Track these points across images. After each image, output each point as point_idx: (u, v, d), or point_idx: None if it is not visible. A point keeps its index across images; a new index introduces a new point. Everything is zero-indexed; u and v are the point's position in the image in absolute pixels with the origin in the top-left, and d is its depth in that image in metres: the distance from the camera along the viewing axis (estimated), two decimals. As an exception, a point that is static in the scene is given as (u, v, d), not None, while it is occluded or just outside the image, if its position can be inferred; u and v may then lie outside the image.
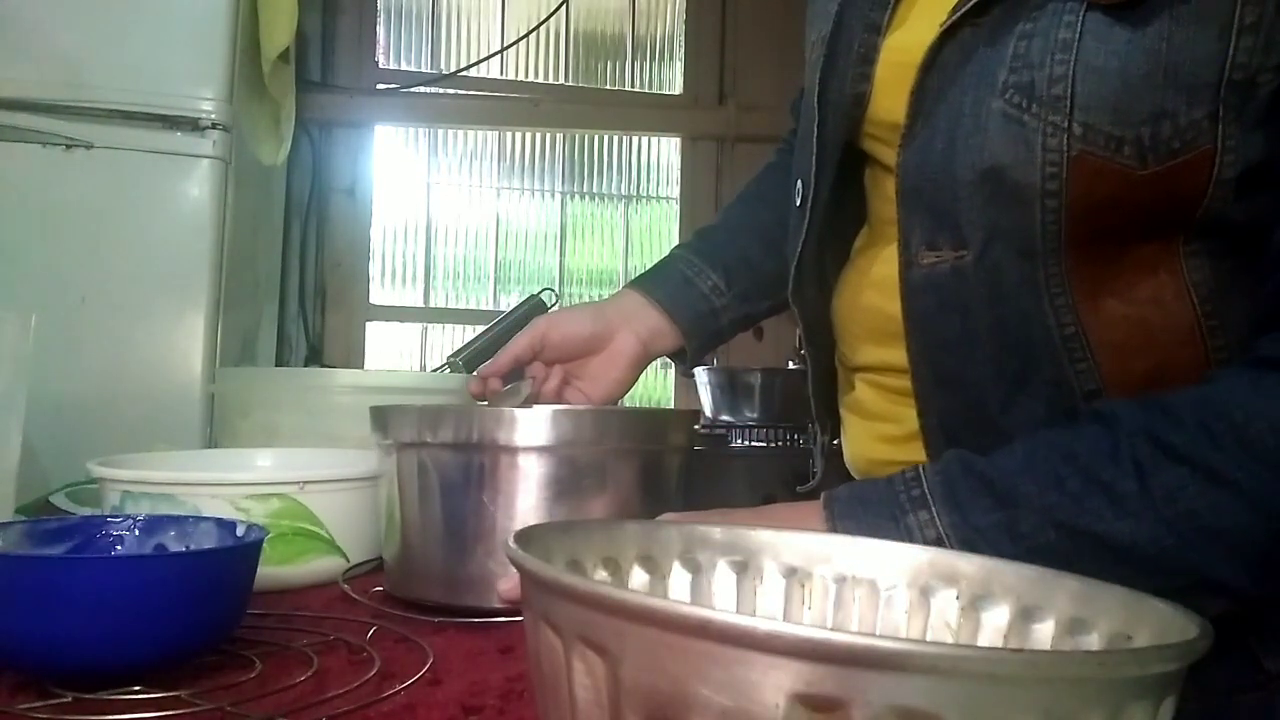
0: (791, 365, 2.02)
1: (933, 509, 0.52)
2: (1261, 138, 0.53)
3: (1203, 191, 0.54)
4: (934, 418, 0.63)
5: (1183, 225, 0.56)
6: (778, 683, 0.25)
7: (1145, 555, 0.48)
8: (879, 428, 0.70)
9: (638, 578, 0.42)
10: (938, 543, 0.51)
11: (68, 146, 1.55)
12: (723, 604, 0.42)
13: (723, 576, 0.43)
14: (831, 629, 0.25)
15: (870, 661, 0.24)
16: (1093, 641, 0.35)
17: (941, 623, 0.39)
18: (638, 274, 0.92)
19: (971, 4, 0.58)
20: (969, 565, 0.40)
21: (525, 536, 0.36)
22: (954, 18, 0.59)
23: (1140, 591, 0.40)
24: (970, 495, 0.52)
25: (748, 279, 0.89)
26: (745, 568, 0.43)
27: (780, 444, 1.87)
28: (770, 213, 0.88)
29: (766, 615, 0.41)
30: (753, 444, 1.90)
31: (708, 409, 1.96)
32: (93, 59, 1.57)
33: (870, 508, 0.54)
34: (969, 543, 0.51)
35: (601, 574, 0.40)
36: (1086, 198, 0.55)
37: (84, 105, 1.56)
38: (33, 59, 1.55)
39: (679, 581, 0.42)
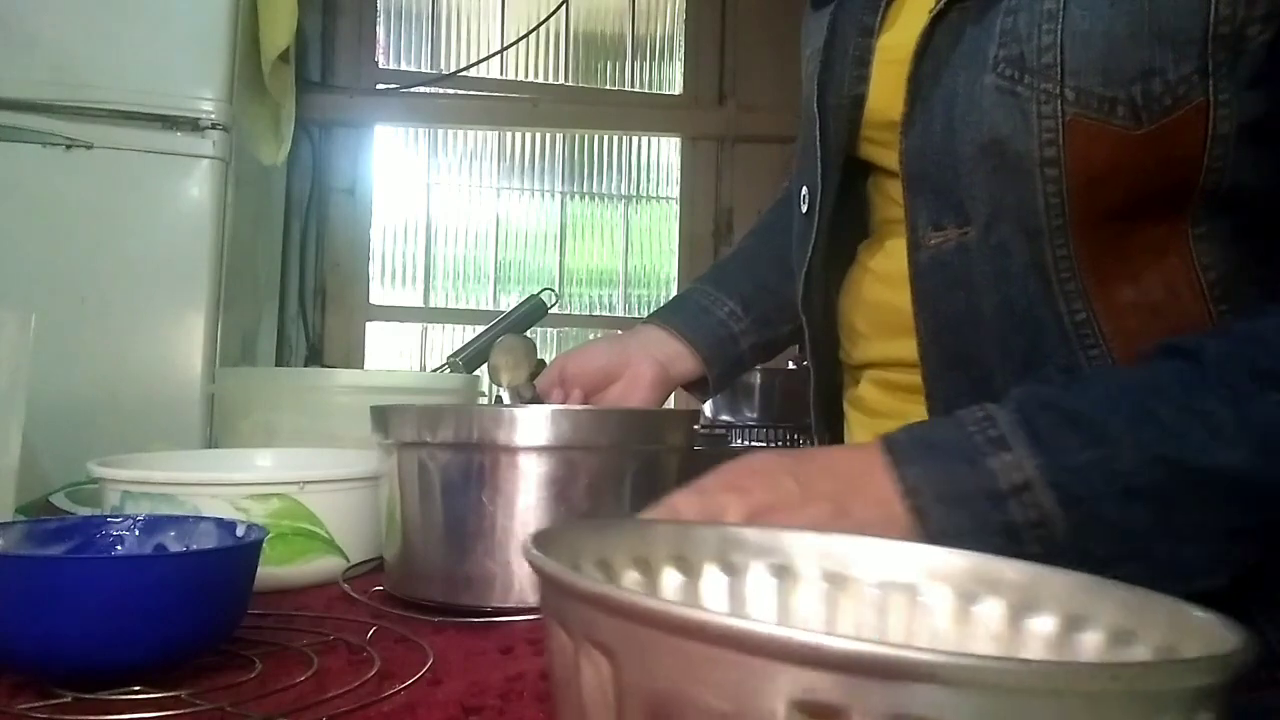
0: (791, 365, 2.02)
1: (1016, 450, 0.48)
2: (1261, 93, 0.53)
3: (1201, 149, 0.54)
4: (941, 402, 0.63)
5: (1187, 198, 0.56)
6: (777, 688, 0.24)
7: (1249, 487, 0.46)
8: (884, 425, 0.70)
9: (670, 580, 0.40)
10: (1025, 487, 0.47)
11: (68, 146, 1.56)
12: (760, 609, 0.40)
13: (760, 580, 0.41)
14: (830, 633, 0.24)
15: (870, 668, 0.23)
16: (1139, 654, 0.33)
17: (985, 631, 0.38)
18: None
19: None
20: (1014, 572, 0.38)
21: (551, 535, 0.35)
22: (941, 3, 0.60)
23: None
24: (1054, 433, 0.48)
25: (766, 304, 0.88)
26: (784, 571, 0.41)
27: (780, 444, 1.87)
28: (784, 240, 0.88)
29: (804, 620, 0.40)
30: (753, 444, 1.90)
31: (708, 409, 1.96)
32: (93, 59, 1.57)
33: (938, 452, 0.50)
34: (1061, 485, 0.47)
35: (633, 575, 0.39)
36: (1086, 164, 0.55)
37: (84, 105, 1.56)
38: (33, 59, 1.55)
39: (714, 584, 0.41)
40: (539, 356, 0.93)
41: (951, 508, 0.48)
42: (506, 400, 0.90)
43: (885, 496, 0.50)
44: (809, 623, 0.40)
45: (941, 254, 0.61)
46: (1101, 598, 0.35)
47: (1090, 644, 0.35)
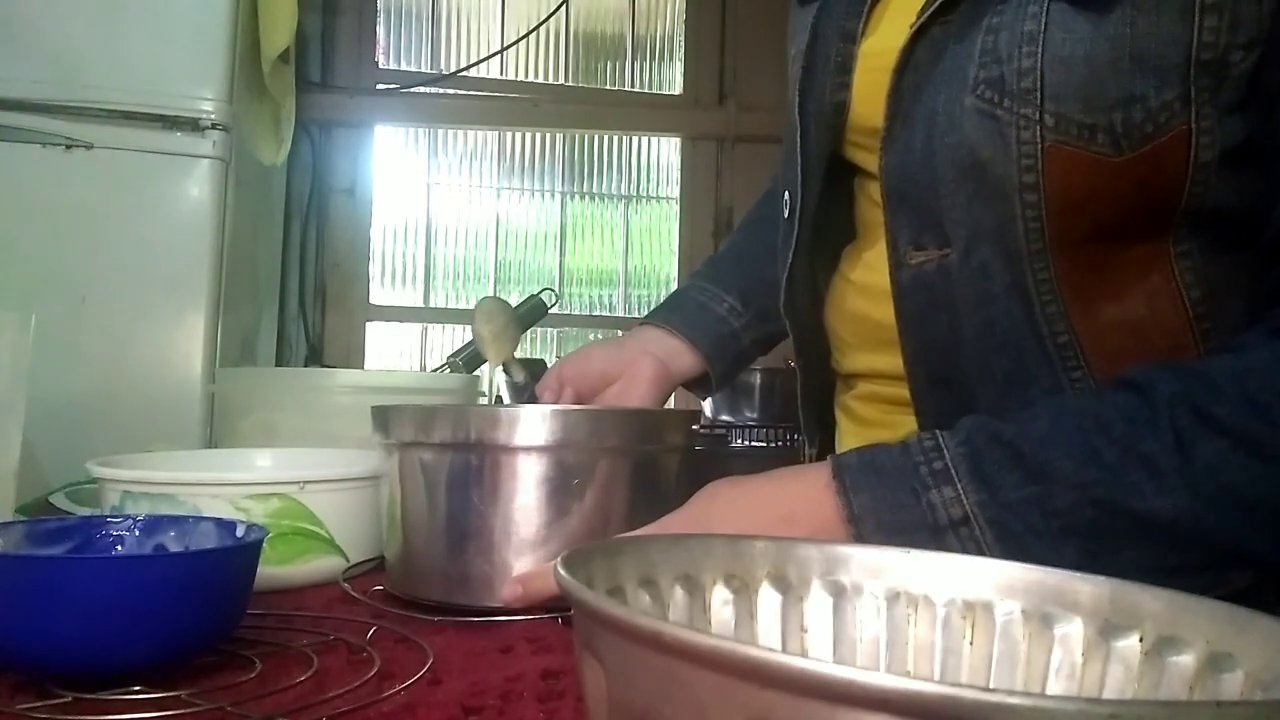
0: (791, 364, 2.02)
1: (958, 485, 0.49)
2: (1242, 118, 0.52)
3: (1183, 175, 0.53)
4: (930, 419, 0.63)
5: (1168, 219, 0.55)
6: (734, 706, 0.23)
7: (1183, 531, 0.47)
8: (873, 434, 0.70)
9: (719, 597, 0.39)
10: (964, 522, 0.49)
11: (68, 146, 1.56)
12: (817, 628, 0.39)
13: (817, 598, 0.39)
14: (780, 651, 0.22)
15: (818, 690, 0.22)
16: (1237, 679, 0.31)
17: (1065, 654, 0.36)
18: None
19: (940, 2, 0.58)
20: (1093, 589, 0.35)
21: (594, 551, 0.34)
22: (923, 18, 0.59)
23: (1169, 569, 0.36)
24: (998, 468, 0.49)
25: (764, 297, 0.87)
26: (843, 590, 0.39)
27: (780, 444, 1.87)
28: (774, 234, 0.88)
29: (865, 640, 0.39)
30: (753, 444, 1.90)
31: (708, 409, 1.96)
32: (93, 59, 1.57)
33: (886, 478, 0.51)
34: (998, 522, 0.48)
35: (679, 593, 0.38)
36: (1065, 190, 0.54)
37: (84, 105, 1.56)
38: (33, 59, 1.55)
39: (768, 602, 0.39)
40: (539, 356, 0.93)
41: (891, 537, 0.49)
42: (502, 386, 0.89)
43: (830, 520, 0.51)
44: (863, 644, 0.39)
45: (923, 274, 0.61)
46: (1195, 616, 0.33)
47: (1183, 667, 0.32)
